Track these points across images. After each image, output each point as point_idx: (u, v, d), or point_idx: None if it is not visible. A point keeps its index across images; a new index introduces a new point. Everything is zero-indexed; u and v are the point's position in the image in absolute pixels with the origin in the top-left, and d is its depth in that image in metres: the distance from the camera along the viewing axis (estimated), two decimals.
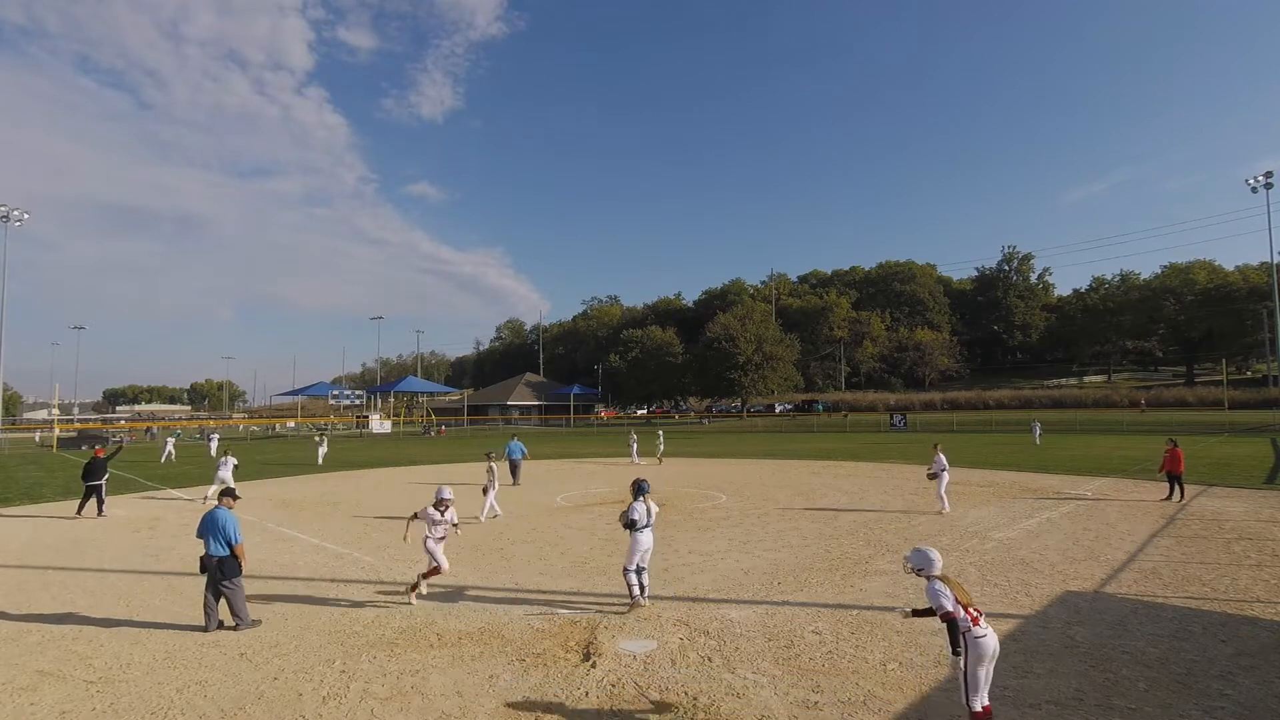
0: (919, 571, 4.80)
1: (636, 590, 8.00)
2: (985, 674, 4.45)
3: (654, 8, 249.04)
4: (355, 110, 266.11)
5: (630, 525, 7.93)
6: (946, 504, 14.49)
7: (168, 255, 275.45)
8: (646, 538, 8.00)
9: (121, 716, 5.39)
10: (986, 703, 4.52)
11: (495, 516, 14.73)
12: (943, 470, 14.46)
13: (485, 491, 14.83)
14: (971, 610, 4.48)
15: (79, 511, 15.77)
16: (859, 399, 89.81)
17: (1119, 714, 5.08)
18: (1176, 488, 15.32)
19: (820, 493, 18.23)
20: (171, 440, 38.62)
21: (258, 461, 32.35)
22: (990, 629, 4.48)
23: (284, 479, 24.56)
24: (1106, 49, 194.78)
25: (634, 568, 7.98)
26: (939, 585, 4.59)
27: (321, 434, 42.73)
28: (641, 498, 8.10)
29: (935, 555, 4.76)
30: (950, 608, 4.46)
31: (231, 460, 18.59)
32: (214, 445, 38.63)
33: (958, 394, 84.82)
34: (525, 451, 22.25)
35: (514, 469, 21.49)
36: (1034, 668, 5.97)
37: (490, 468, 15.18)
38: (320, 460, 30.68)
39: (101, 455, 16.58)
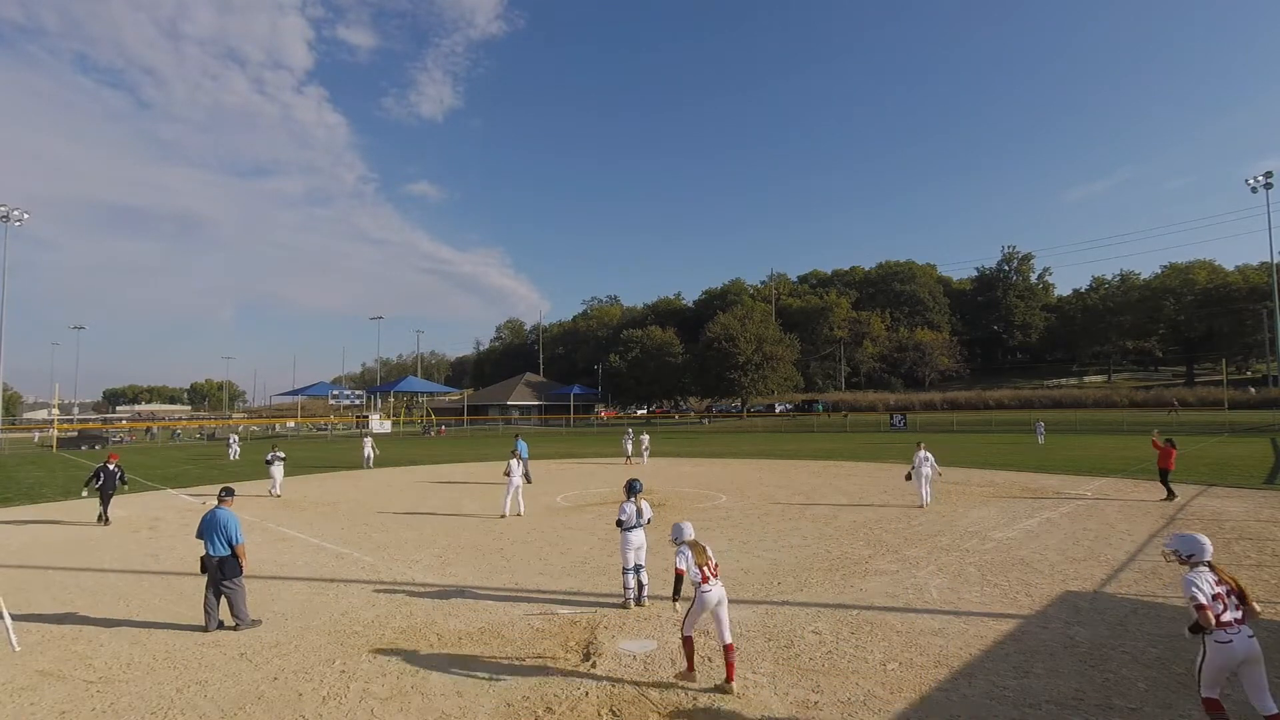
0: (674, 541, 6.18)
1: (631, 590, 8.05)
2: (702, 620, 5.76)
3: (654, 7, 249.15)
4: (355, 109, 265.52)
5: (618, 524, 8.14)
6: (928, 497, 15.03)
7: (168, 255, 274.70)
8: (636, 537, 8.08)
9: (121, 716, 5.39)
10: (690, 634, 5.77)
11: (517, 515, 15.19)
12: (914, 469, 15.04)
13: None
14: (704, 570, 5.70)
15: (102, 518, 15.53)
16: (859, 399, 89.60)
17: (1119, 714, 5.08)
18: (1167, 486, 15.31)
19: (820, 493, 18.23)
20: (234, 438, 38.20)
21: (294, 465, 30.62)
22: (716, 586, 5.71)
23: (287, 479, 24.47)
24: (1107, 48, 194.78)
25: (630, 567, 8.04)
26: (685, 550, 5.91)
27: (369, 434, 40.65)
28: (632, 498, 8.20)
29: (687, 527, 6.20)
30: (683, 567, 5.81)
31: (278, 454, 20.48)
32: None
33: (958, 394, 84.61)
34: (525, 451, 22.38)
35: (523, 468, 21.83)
36: (1034, 668, 5.97)
37: (509, 467, 15.66)
38: (367, 464, 28.75)
39: (114, 463, 16.16)
